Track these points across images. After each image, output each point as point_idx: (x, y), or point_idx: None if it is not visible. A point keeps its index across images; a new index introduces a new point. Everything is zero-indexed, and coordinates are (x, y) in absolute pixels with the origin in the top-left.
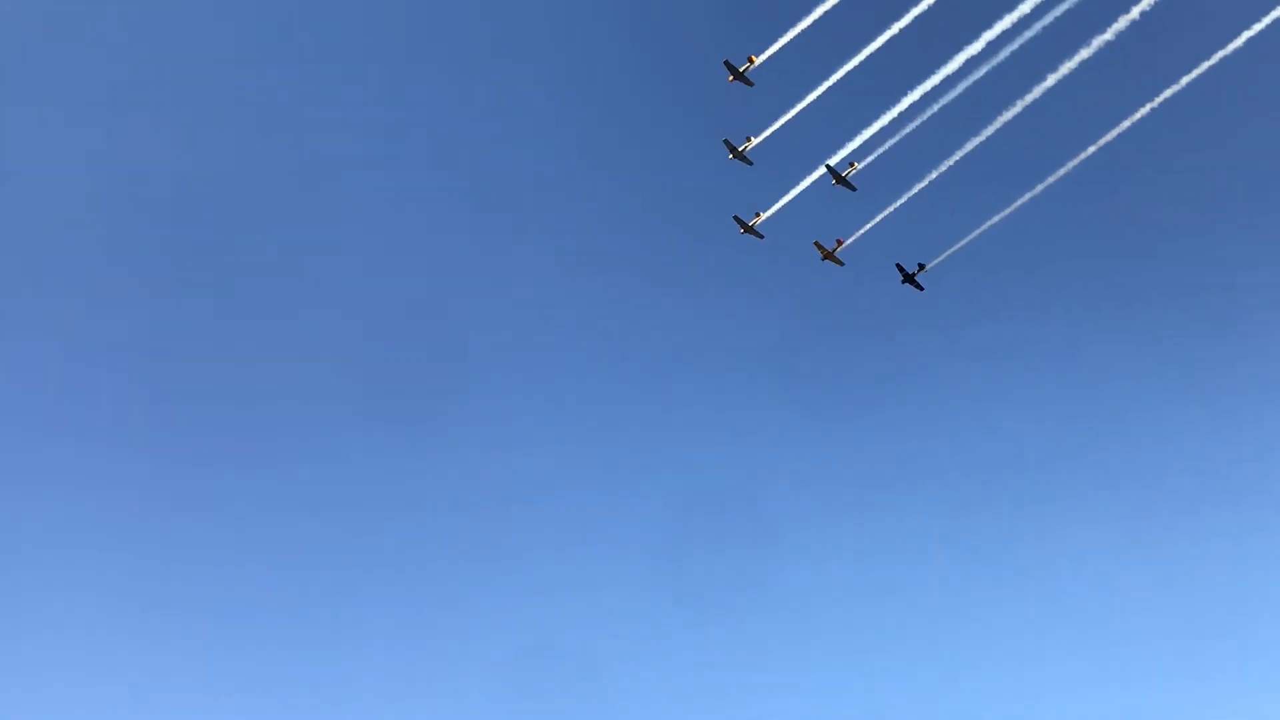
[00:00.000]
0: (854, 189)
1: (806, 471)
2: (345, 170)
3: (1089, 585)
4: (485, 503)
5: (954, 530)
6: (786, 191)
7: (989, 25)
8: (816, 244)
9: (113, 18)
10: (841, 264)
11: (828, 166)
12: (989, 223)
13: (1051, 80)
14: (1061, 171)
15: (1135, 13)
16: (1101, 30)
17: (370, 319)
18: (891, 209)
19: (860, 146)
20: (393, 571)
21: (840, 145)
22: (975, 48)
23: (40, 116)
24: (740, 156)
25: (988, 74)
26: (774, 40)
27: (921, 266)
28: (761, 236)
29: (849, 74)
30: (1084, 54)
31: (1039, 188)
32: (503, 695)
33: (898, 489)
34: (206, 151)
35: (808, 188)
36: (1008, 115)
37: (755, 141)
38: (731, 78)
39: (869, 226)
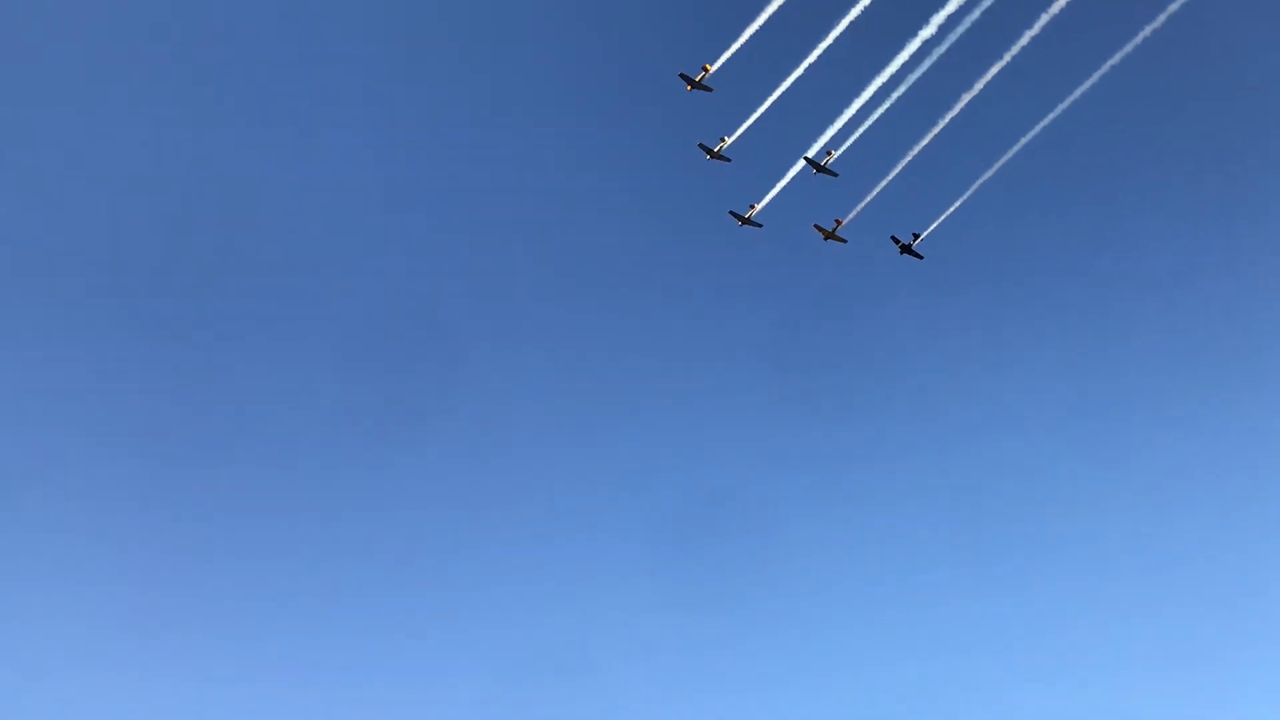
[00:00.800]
0: (835, 175)
1: (804, 467)
2: (339, 172)
3: (1093, 580)
4: (480, 501)
5: (954, 525)
6: (770, 183)
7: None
8: (816, 226)
9: (111, 16)
10: (844, 241)
11: (806, 159)
12: (975, 184)
13: (1026, 38)
14: (1044, 122)
15: None
16: None
17: (368, 318)
18: (883, 185)
19: (835, 135)
20: (392, 571)
21: (813, 131)
22: (950, 7)
23: (39, 116)
24: (718, 156)
25: (958, 41)
26: (727, 44)
27: (916, 236)
28: (760, 225)
29: (811, 65)
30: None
31: (1022, 141)
32: (500, 694)
33: (897, 484)
34: (203, 150)
35: (792, 178)
36: (983, 80)
37: (730, 141)
38: (690, 87)
39: (864, 204)
